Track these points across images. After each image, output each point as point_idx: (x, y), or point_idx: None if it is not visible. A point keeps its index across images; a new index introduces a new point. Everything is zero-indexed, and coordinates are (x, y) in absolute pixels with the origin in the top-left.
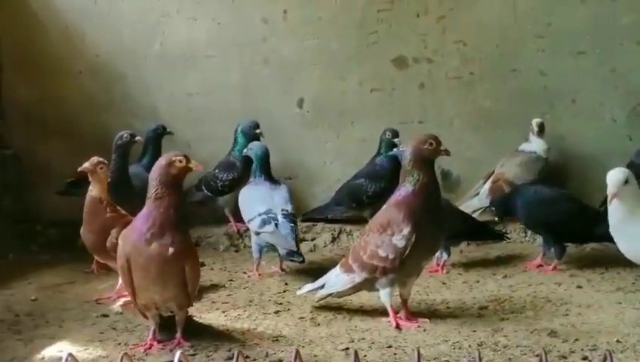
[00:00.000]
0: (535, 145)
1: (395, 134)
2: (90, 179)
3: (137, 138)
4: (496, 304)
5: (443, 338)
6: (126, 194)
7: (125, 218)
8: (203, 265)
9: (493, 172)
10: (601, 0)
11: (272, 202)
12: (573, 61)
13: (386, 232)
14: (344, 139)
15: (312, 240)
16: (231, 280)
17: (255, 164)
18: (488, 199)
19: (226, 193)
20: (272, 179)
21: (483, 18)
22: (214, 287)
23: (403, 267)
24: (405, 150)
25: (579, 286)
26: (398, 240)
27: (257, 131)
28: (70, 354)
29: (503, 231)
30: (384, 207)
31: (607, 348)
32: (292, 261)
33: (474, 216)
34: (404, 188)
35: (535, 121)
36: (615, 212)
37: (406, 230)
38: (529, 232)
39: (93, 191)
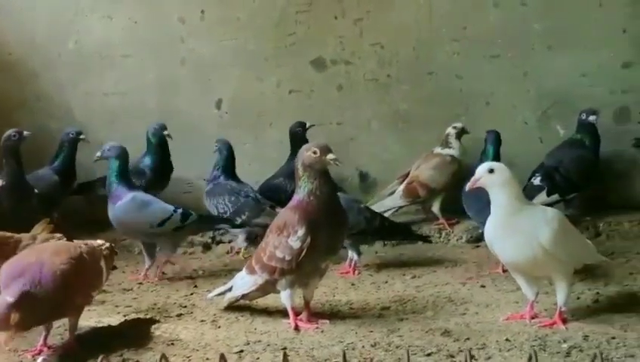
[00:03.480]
0: (454, 148)
1: (302, 126)
2: None
3: (26, 134)
4: (399, 304)
5: (339, 340)
6: (22, 198)
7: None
8: (114, 268)
9: (409, 173)
10: (514, 5)
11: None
12: (487, 64)
13: (283, 234)
14: (263, 140)
15: (229, 242)
16: (140, 284)
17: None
18: (402, 200)
19: None
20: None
21: (400, 21)
22: (122, 291)
23: (301, 268)
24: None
25: (482, 286)
26: (294, 242)
27: (165, 133)
28: None
29: (418, 231)
30: (283, 209)
31: (532, 349)
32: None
33: (386, 215)
34: (297, 195)
35: (456, 125)
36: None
37: (301, 231)
38: (444, 233)
39: None
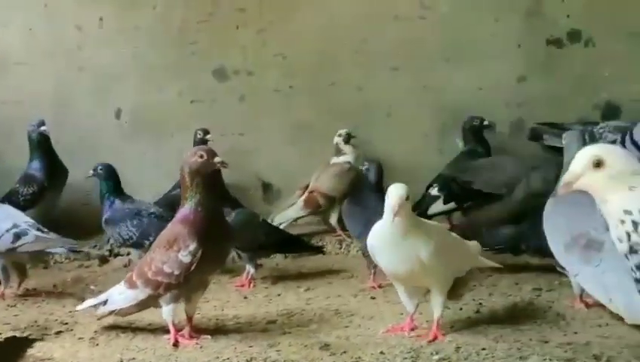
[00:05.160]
0: (347, 153)
1: (206, 132)
2: None
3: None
4: (286, 318)
5: (216, 356)
6: None
7: None
8: None
9: (308, 184)
10: (413, 18)
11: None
12: (387, 76)
13: (173, 248)
14: (163, 150)
15: (127, 254)
16: (25, 299)
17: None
18: (303, 210)
19: (28, 208)
20: None
21: (302, 32)
22: (6, 307)
23: (188, 282)
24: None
25: (372, 298)
26: (184, 256)
27: (43, 128)
28: None
29: (319, 243)
30: (170, 223)
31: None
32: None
33: (283, 226)
34: (185, 208)
35: (340, 132)
36: (396, 227)
37: (192, 246)
38: (344, 244)
39: None
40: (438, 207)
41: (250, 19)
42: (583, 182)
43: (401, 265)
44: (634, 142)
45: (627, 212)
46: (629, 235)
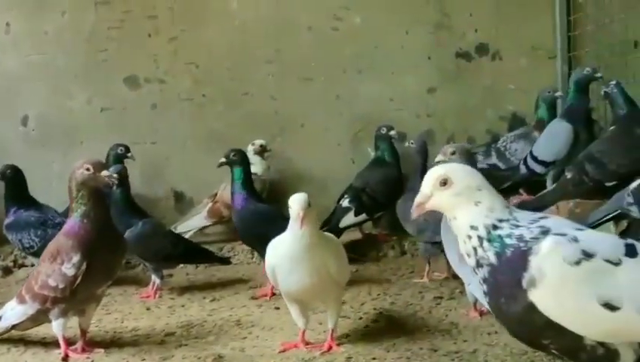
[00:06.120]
0: (256, 166)
1: (128, 150)
2: None
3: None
4: (185, 329)
5: None
6: None
7: None
8: None
9: (217, 193)
10: (325, 30)
11: None
12: (301, 87)
13: (56, 261)
14: (72, 158)
15: (32, 265)
16: None
17: None
18: (207, 220)
19: None
20: None
21: (214, 41)
22: None
23: (75, 296)
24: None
25: (277, 308)
26: (68, 269)
27: None
28: None
29: (226, 254)
30: (57, 234)
31: None
32: None
33: (189, 235)
34: (71, 220)
35: (254, 142)
36: (303, 237)
37: (75, 258)
38: (255, 254)
39: None
40: (349, 218)
41: (162, 27)
42: (433, 202)
43: (308, 278)
44: (534, 158)
45: (473, 227)
46: (475, 250)
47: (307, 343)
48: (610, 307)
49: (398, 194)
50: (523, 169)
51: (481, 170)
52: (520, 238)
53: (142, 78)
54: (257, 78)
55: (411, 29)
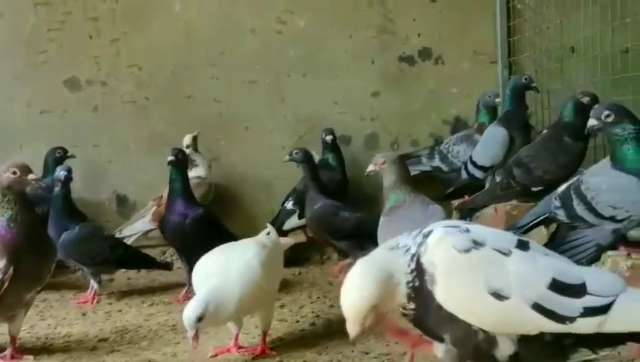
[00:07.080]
0: (200, 167)
1: (65, 151)
2: None
3: None
4: (119, 335)
5: None
6: None
7: None
8: None
9: (162, 196)
10: (269, 33)
11: None
12: (245, 89)
13: None
14: None
15: None
16: None
17: None
18: (152, 224)
19: None
20: None
21: (157, 43)
22: None
23: (2, 301)
24: None
25: None
26: None
27: None
28: None
29: (169, 259)
30: None
31: None
32: None
33: (133, 240)
34: None
35: (187, 138)
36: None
37: (2, 263)
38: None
39: None
40: (293, 221)
41: (103, 28)
42: None
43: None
44: (473, 163)
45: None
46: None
47: (240, 347)
48: (499, 296)
49: (341, 198)
50: (464, 174)
51: (425, 173)
52: (410, 253)
53: (83, 80)
54: (201, 80)
55: (355, 33)
